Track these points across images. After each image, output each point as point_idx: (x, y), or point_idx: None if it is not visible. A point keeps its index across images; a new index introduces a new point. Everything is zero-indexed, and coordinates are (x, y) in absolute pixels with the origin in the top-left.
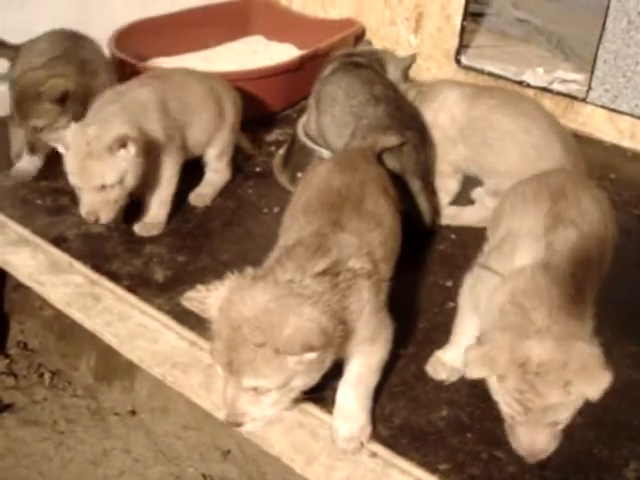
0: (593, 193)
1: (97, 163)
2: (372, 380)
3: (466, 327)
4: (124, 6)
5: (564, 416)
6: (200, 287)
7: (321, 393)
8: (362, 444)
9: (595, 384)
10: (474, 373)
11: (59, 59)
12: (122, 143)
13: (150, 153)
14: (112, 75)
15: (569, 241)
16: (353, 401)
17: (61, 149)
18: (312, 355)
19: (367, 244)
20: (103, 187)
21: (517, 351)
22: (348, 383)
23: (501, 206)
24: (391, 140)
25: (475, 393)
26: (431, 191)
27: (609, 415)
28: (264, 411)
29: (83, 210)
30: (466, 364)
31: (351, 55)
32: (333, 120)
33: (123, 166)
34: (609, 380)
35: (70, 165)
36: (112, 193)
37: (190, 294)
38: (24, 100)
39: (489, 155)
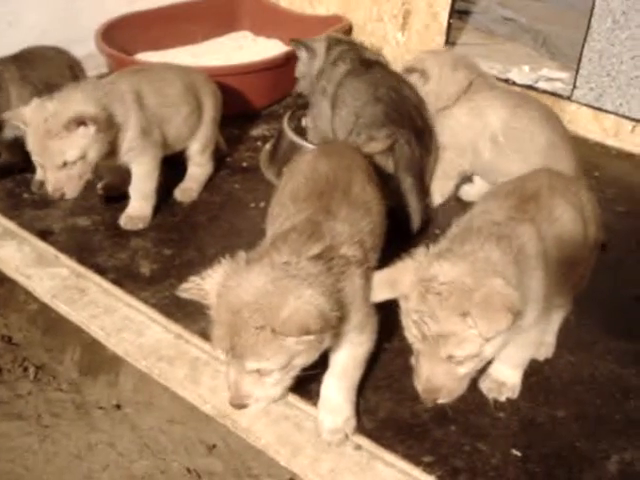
0: (572, 200)
1: (56, 141)
2: (357, 372)
3: None
4: (115, 1)
5: (462, 352)
6: (193, 277)
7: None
8: (347, 436)
9: (490, 322)
10: (377, 295)
11: None
12: (80, 121)
13: (119, 138)
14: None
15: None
16: (338, 393)
17: (21, 125)
18: (311, 336)
19: (358, 232)
20: (65, 164)
21: (424, 270)
22: (333, 375)
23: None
24: (377, 147)
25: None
26: (424, 191)
27: (591, 409)
28: (267, 391)
29: (49, 187)
30: (372, 287)
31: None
32: (341, 121)
33: (83, 143)
34: (506, 324)
35: (31, 144)
36: (75, 169)
37: (185, 285)
38: None
39: (515, 163)
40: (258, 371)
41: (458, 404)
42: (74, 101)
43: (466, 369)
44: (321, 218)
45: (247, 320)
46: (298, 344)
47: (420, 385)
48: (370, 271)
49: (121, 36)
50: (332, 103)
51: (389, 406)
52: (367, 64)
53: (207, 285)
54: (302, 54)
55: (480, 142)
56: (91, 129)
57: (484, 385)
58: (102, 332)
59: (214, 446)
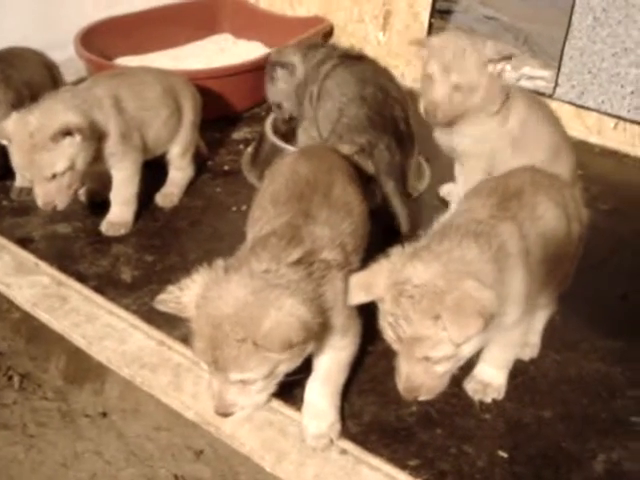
0: (555, 198)
1: (44, 154)
2: (341, 376)
3: None
4: (93, 4)
5: (437, 354)
6: (171, 288)
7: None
8: (332, 441)
9: (461, 327)
10: (353, 298)
11: None
12: (66, 132)
13: (101, 144)
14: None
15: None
16: (322, 398)
17: (3, 141)
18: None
19: (339, 235)
20: (54, 176)
21: (398, 273)
22: (317, 380)
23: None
24: (343, 149)
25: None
26: (407, 194)
27: (577, 409)
28: (252, 399)
29: (39, 201)
30: (349, 290)
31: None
32: (325, 115)
33: (71, 152)
34: (477, 329)
35: (17, 159)
36: (64, 179)
37: (162, 296)
38: None
39: (520, 160)
40: (242, 381)
41: (443, 406)
42: (56, 112)
43: (444, 368)
44: (301, 222)
45: (228, 333)
46: (281, 355)
47: (400, 384)
48: (352, 274)
49: (100, 41)
50: (317, 96)
51: (373, 410)
52: (357, 57)
53: (185, 297)
54: (278, 74)
55: (503, 146)
56: (77, 138)
57: (469, 386)
58: (84, 340)
59: (201, 452)
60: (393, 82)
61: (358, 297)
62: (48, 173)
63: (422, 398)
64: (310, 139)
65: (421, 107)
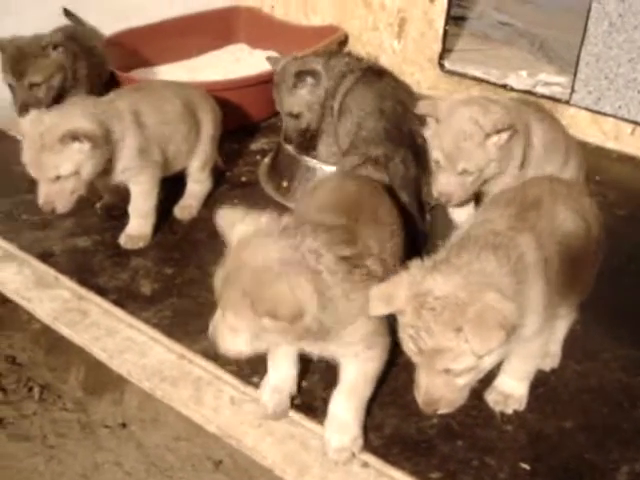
0: (574, 206)
1: (50, 155)
2: (366, 390)
3: None
4: (111, 17)
5: (458, 366)
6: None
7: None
8: (354, 455)
9: (483, 340)
10: (373, 310)
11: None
12: (74, 136)
13: (116, 157)
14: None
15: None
16: (346, 412)
17: (18, 136)
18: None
19: (383, 251)
20: (58, 178)
21: (418, 285)
22: (342, 392)
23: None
24: (354, 160)
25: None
26: (422, 208)
27: (599, 419)
28: (238, 345)
29: (40, 200)
30: (369, 302)
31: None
32: (345, 132)
33: (78, 158)
34: (499, 341)
35: (26, 156)
36: (68, 184)
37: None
38: (19, 59)
39: (539, 170)
40: (233, 329)
41: (464, 418)
42: (71, 116)
43: (464, 380)
44: (354, 227)
45: (240, 280)
46: (269, 324)
47: (420, 397)
48: None
49: (118, 53)
50: (338, 111)
51: (395, 422)
52: (378, 73)
53: (235, 230)
54: (307, 82)
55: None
56: (86, 145)
57: (490, 398)
58: (105, 354)
59: (220, 462)
60: (412, 97)
61: (378, 309)
62: (52, 174)
63: (442, 411)
64: (332, 155)
65: (434, 192)
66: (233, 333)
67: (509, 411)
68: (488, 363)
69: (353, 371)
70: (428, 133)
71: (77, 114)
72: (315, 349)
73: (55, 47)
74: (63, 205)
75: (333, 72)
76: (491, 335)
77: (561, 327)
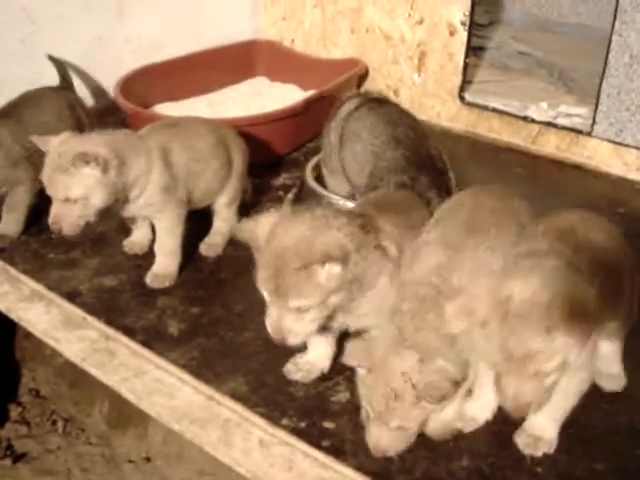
0: (607, 229)
1: (62, 176)
2: None
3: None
4: (131, 53)
5: (550, 365)
6: (247, 220)
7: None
8: None
9: (575, 336)
10: (454, 327)
11: None
12: (85, 160)
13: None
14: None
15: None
16: None
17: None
18: (336, 269)
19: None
20: (67, 200)
21: (497, 292)
22: None
23: None
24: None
25: (495, 442)
26: None
27: (631, 460)
28: (305, 327)
29: (49, 219)
30: (447, 321)
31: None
32: (354, 157)
33: (87, 183)
34: (589, 334)
35: (44, 174)
36: (76, 208)
37: (241, 225)
38: None
39: None
40: (299, 309)
41: (495, 460)
42: (90, 141)
43: (551, 379)
44: (376, 215)
45: (288, 263)
46: (328, 280)
47: (509, 403)
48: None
49: (139, 89)
50: (340, 140)
51: (425, 464)
52: (378, 101)
53: (259, 230)
54: None
55: None
56: (97, 171)
57: (520, 440)
58: (133, 396)
59: None
60: (418, 123)
61: (460, 324)
62: (61, 195)
63: (533, 411)
64: (340, 184)
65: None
66: (299, 315)
67: (539, 454)
68: (573, 359)
69: None
70: None
71: (97, 141)
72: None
73: None
74: (69, 228)
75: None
76: (582, 330)
77: (614, 347)
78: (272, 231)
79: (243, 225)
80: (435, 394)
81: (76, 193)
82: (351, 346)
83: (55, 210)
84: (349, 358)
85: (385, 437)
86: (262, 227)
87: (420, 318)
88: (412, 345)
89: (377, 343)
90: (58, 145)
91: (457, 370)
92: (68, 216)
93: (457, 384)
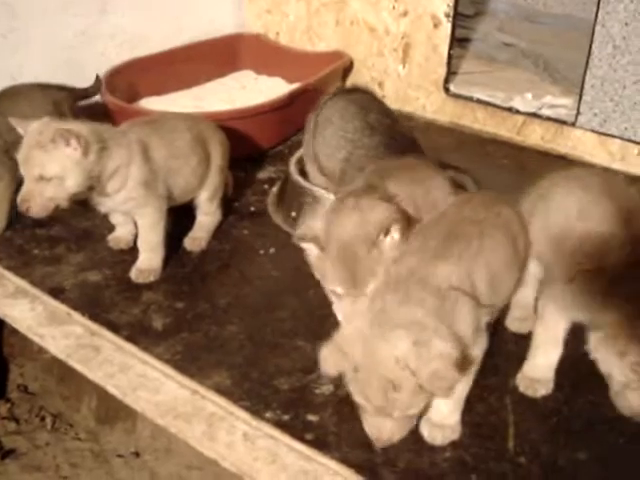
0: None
1: (40, 152)
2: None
3: None
4: (115, 47)
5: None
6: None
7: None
8: None
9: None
10: (603, 365)
11: None
12: (66, 138)
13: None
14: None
15: None
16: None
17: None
18: (396, 235)
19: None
20: (41, 178)
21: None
22: None
23: None
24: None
25: (478, 433)
26: None
27: (614, 450)
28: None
29: (18, 197)
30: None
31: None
32: (324, 141)
33: (65, 163)
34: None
35: (20, 151)
36: (49, 188)
37: (299, 232)
38: None
39: None
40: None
41: (478, 450)
42: (73, 124)
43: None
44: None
45: (356, 250)
46: (391, 249)
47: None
48: None
49: (124, 83)
50: (314, 128)
51: (408, 456)
52: (350, 90)
53: (317, 229)
54: None
55: None
56: (77, 152)
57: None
58: (118, 391)
59: None
60: (388, 108)
61: (609, 357)
62: (36, 172)
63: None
64: (319, 174)
65: None
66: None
67: (538, 395)
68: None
69: None
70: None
71: (80, 125)
72: None
73: None
74: (37, 209)
75: None
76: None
77: None
78: (327, 231)
79: (301, 233)
80: (443, 385)
81: (51, 171)
82: (323, 352)
83: (26, 188)
84: (326, 367)
85: (387, 426)
86: (319, 228)
87: (404, 292)
88: (399, 324)
89: (349, 337)
90: (38, 125)
91: (456, 348)
92: (38, 196)
93: (462, 365)
